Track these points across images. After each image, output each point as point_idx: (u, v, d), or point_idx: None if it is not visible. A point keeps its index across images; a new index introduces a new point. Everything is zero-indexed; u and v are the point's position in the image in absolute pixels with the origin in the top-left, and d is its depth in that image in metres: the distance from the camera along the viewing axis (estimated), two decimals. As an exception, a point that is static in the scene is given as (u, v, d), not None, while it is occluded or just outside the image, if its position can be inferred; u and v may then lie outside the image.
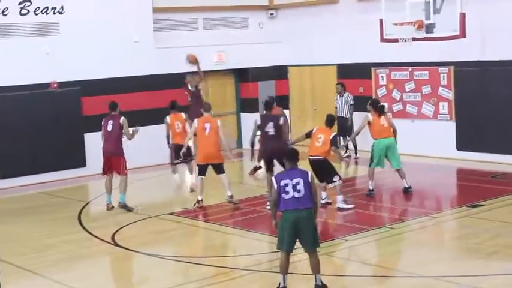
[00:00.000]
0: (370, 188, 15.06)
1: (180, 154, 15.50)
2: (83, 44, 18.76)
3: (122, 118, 14.92)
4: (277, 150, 13.65)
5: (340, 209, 14.02)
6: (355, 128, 19.22)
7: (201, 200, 14.72)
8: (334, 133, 14.16)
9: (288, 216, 9.35)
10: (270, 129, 14.26)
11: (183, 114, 17.03)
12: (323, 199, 14.17)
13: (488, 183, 15.65)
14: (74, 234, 13.37)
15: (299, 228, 9.33)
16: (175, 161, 16.73)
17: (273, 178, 9.57)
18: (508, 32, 17.35)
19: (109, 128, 14.91)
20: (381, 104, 15.40)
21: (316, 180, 13.15)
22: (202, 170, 14.68)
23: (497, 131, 17.64)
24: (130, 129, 14.85)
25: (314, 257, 9.54)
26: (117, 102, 15.44)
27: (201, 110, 15.29)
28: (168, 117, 16.97)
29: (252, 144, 15.32)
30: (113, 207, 14.98)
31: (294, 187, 9.31)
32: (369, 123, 15.09)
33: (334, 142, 14.01)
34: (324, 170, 13.92)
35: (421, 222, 13.06)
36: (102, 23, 19.03)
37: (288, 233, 9.39)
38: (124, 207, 14.85)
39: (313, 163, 13.88)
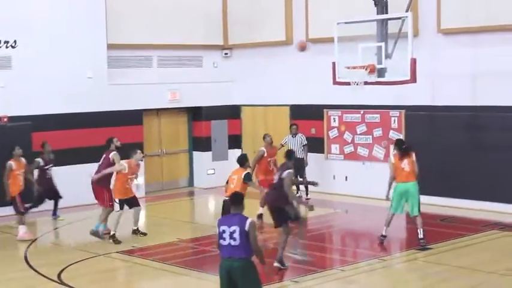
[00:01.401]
0: (384, 233, 14.36)
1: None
2: (35, 78, 18.54)
3: (112, 153, 15.51)
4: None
5: None
6: (307, 170, 19.29)
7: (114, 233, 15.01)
8: (247, 171, 14.01)
9: (223, 264, 9.02)
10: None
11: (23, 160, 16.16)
12: None
13: (437, 226, 15.74)
14: (19, 273, 13.05)
15: (234, 279, 8.91)
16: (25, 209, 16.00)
17: (217, 221, 9.20)
18: (457, 78, 17.67)
19: (100, 161, 15.72)
20: (405, 145, 14.60)
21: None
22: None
23: (447, 175, 17.83)
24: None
25: None
26: (112, 137, 16.03)
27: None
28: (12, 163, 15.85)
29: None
30: (109, 233, 15.10)
31: (231, 235, 8.92)
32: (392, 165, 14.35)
33: (247, 178, 13.82)
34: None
35: (370, 265, 13.06)
36: (55, 58, 18.86)
37: (222, 282, 9.03)
38: (95, 234, 15.06)
39: (225, 204, 13.40)
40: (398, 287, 12.24)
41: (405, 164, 14.24)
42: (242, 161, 14.15)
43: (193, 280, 12.45)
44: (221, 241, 8.99)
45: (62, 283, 12.25)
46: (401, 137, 18.62)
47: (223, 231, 8.96)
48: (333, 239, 15.61)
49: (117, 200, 15.27)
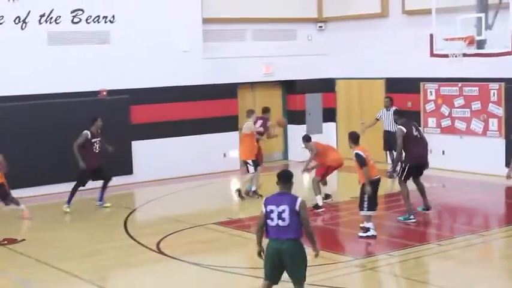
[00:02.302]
0: None
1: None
2: (133, 52, 18.95)
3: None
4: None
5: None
6: None
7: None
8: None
9: (270, 245, 8.73)
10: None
11: None
12: (372, 229, 13.22)
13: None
14: (119, 241, 13.49)
15: (282, 259, 8.66)
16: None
17: (263, 200, 8.87)
18: (560, 49, 17.07)
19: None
20: None
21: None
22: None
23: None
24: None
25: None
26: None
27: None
28: None
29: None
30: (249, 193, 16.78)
31: (279, 215, 8.60)
32: None
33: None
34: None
35: (468, 240, 12.90)
36: (152, 32, 19.21)
37: (269, 263, 8.78)
38: (248, 193, 16.83)
39: (377, 184, 13.20)
40: (497, 263, 12.05)
41: None
42: (358, 139, 13.50)
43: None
44: (268, 221, 8.69)
45: (161, 252, 12.58)
46: (501, 110, 18.22)
47: (271, 211, 8.66)
48: (429, 213, 15.45)
49: (250, 161, 16.60)
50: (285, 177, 8.88)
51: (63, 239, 13.88)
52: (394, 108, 19.36)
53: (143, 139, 18.91)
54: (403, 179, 14.30)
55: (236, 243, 13.42)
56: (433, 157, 19.43)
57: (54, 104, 17.85)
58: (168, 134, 19.35)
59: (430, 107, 19.86)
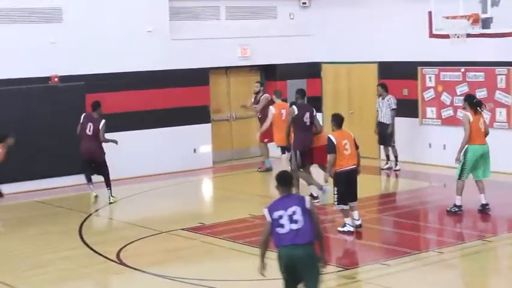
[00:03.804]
0: (458, 203, 14.74)
1: None
2: (89, 33, 18.78)
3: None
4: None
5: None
6: (395, 135, 19.13)
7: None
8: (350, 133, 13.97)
9: (284, 253, 8.77)
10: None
11: None
12: (357, 219, 13.72)
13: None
14: (73, 250, 13.37)
15: (299, 267, 8.74)
16: None
17: (265, 210, 8.93)
18: None
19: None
20: (477, 99, 15.03)
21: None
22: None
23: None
24: None
25: None
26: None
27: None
28: None
29: None
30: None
31: (290, 218, 8.73)
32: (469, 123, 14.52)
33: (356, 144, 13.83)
34: (356, 183, 13.67)
35: (473, 247, 12.94)
36: (111, 10, 19.08)
37: (288, 274, 8.84)
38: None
39: (348, 175, 13.48)
40: (506, 273, 12.06)
41: (482, 124, 14.61)
42: (342, 121, 13.85)
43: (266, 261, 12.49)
44: (278, 229, 8.75)
45: (122, 263, 12.48)
46: (510, 98, 18.27)
47: (280, 217, 8.75)
48: (428, 216, 15.46)
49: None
50: (286, 180, 9.04)
51: (9, 248, 13.76)
52: (389, 96, 19.36)
53: (101, 132, 18.75)
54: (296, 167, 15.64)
55: (209, 253, 13.35)
56: (433, 152, 19.62)
57: (1, 92, 17.65)
58: (130, 127, 19.20)
59: (429, 94, 19.90)
